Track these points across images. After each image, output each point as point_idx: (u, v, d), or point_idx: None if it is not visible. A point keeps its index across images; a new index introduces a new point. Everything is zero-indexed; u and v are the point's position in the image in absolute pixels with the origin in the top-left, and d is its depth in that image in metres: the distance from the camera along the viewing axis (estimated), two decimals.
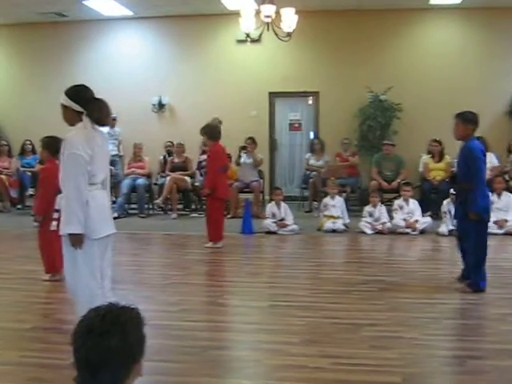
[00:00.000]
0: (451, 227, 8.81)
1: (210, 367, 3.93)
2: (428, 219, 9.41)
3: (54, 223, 5.30)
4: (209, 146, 8.29)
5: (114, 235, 4.43)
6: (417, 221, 9.27)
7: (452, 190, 8.65)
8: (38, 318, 5.03)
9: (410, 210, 9.39)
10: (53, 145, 6.18)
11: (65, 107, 4.19)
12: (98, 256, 4.19)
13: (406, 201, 9.49)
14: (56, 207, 5.31)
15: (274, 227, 9.30)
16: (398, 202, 9.61)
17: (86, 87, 4.27)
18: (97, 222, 4.14)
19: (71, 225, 4.04)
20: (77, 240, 4.06)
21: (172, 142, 12.20)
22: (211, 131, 8.28)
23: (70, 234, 4.06)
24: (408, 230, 9.16)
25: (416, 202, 9.57)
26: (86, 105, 4.13)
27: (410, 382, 3.68)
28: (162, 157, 12.13)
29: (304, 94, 13.28)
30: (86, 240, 4.10)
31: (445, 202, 9.10)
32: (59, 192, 4.64)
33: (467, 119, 5.82)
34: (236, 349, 4.43)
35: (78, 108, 4.13)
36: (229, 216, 10.60)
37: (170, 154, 12.06)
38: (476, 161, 5.68)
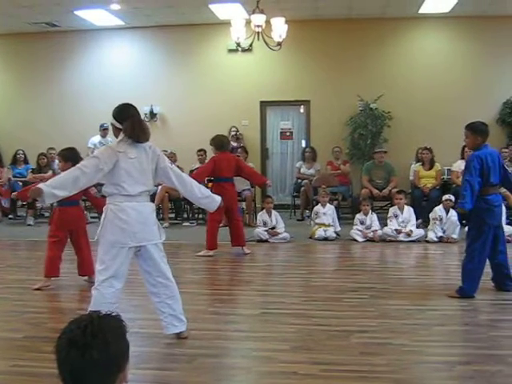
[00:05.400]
0: (440, 234, 8.92)
1: (199, 375, 3.94)
2: (421, 231, 9.28)
3: None
4: (215, 154, 8.58)
5: None
6: (411, 231, 9.18)
7: (448, 196, 9.00)
8: (30, 328, 5.01)
9: (404, 219, 9.34)
10: (71, 156, 6.30)
11: (111, 124, 4.59)
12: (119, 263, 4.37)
13: (401, 209, 9.45)
14: None
15: (265, 235, 9.32)
16: (392, 210, 9.54)
17: (127, 106, 4.57)
18: (122, 233, 4.30)
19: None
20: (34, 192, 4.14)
21: (166, 151, 12.19)
22: (219, 142, 8.58)
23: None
24: (400, 237, 9.12)
25: (411, 210, 9.49)
26: (122, 122, 4.43)
27: None
28: None
29: (295, 103, 13.34)
30: (112, 247, 4.30)
31: (436, 208, 9.16)
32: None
33: (476, 130, 5.87)
34: (226, 356, 4.44)
35: (117, 125, 4.48)
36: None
37: None
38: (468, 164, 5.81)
